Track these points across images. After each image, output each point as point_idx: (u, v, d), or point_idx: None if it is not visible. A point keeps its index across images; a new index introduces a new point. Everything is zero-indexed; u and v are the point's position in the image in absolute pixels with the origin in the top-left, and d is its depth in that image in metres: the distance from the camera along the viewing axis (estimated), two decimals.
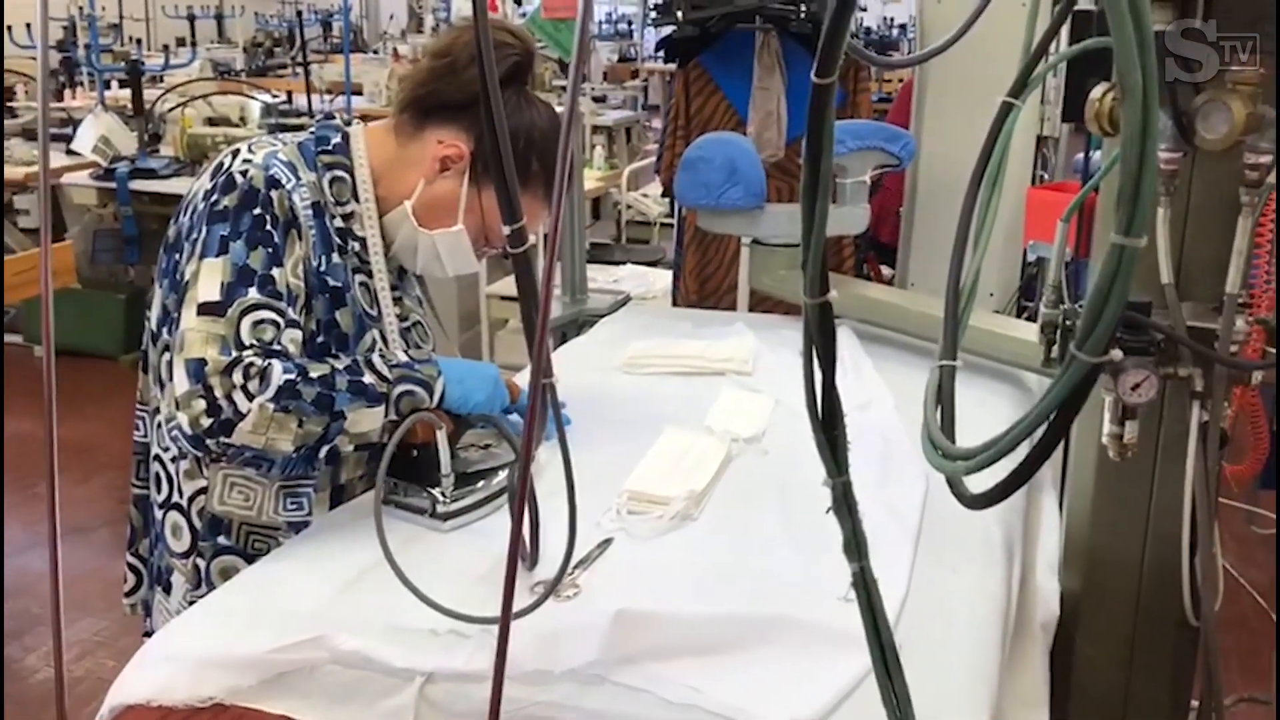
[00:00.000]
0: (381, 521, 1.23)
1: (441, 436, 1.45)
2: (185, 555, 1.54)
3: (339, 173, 1.54)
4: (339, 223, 1.53)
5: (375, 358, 1.46)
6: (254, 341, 1.37)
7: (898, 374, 2.05)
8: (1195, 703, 1.53)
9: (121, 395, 5.29)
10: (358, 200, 1.55)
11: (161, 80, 7.25)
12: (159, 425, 1.54)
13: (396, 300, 1.61)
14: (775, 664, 1.17)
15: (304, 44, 7.36)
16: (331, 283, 1.50)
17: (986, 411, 1.91)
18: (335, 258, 1.51)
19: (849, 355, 2.14)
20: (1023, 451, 0.73)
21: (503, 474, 1.53)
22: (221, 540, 1.53)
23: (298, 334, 1.45)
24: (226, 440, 1.35)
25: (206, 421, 1.34)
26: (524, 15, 4.13)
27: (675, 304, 3.40)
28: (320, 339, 1.50)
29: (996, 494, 0.76)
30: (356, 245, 1.55)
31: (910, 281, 3.23)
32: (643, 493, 1.52)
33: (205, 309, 1.38)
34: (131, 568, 1.68)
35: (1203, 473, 1.32)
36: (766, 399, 1.91)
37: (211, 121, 5.75)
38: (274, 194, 1.45)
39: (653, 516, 1.48)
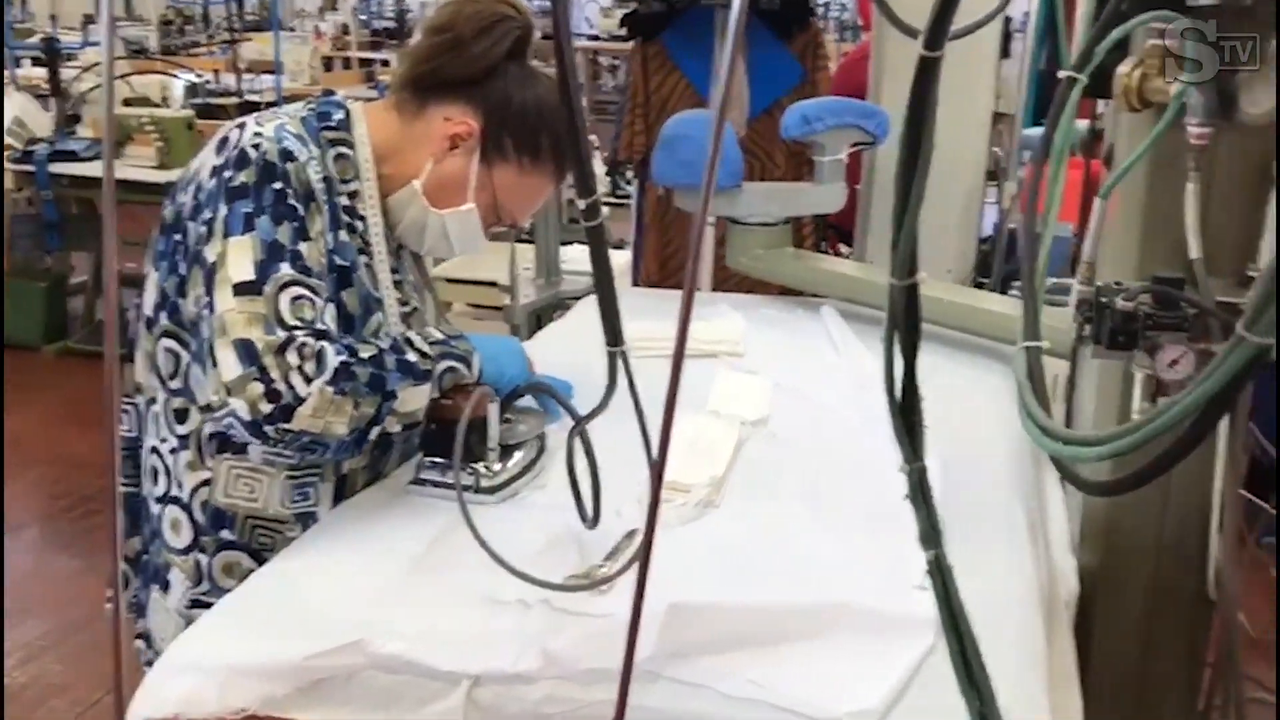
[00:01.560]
0: (464, 502, 1.23)
1: (494, 409, 1.46)
2: (186, 551, 1.47)
3: (343, 149, 1.49)
4: (345, 200, 1.48)
5: (414, 335, 1.45)
6: (296, 320, 1.33)
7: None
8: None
9: (47, 388, 5.15)
10: (359, 180, 1.50)
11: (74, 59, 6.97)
12: (155, 416, 1.47)
13: (397, 284, 1.56)
14: (834, 654, 1.15)
15: (240, 16, 7.11)
16: (339, 261, 1.45)
17: (971, 385, 1.92)
18: (343, 235, 1.46)
19: (837, 335, 2.13)
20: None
21: (530, 446, 1.54)
22: (225, 534, 1.47)
23: (333, 309, 1.41)
24: (286, 426, 1.30)
25: (267, 407, 1.29)
26: None
27: (635, 284, 3.36)
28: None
29: (1130, 482, 0.74)
30: (360, 225, 1.50)
31: (870, 259, 3.24)
32: (666, 481, 1.48)
33: (241, 289, 1.33)
34: None
35: (1232, 448, 1.32)
36: (765, 381, 1.88)
37: (129, 102, 5.54)
38: (290, 166, 1.39)
39: (676, 504, 1.45)
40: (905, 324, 0.91)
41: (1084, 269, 1.29)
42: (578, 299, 2.47)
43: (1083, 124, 2.23)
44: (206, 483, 1.46)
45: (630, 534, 1.40)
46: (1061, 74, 1.01)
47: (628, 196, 5.57)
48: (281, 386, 1.29)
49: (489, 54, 1.49)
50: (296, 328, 1.32)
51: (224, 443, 1.45)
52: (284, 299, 1.34)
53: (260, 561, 1.44)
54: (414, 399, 1.40)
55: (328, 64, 9.16)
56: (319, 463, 1.47)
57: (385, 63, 9.42)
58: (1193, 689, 1.55)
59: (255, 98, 6.32)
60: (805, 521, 1.44)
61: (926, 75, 0.79)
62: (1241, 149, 1.32)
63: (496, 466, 1.47)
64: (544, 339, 2.20)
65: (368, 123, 1.53)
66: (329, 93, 1.59)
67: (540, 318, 2.59)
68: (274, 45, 6.41)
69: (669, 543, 1.39)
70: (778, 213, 2.34)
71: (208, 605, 1.34)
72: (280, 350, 1.30)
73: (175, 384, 1.45)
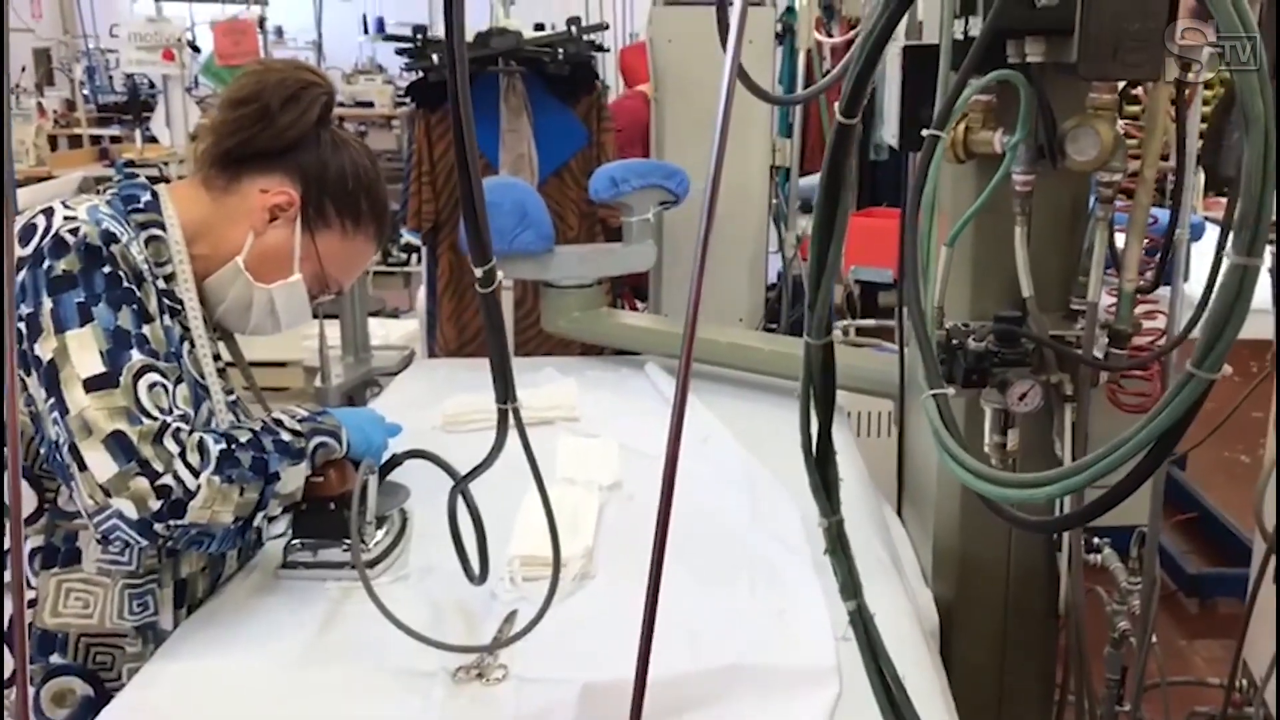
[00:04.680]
0: (366, 577, 1.27)
1: (372, 481, 1.45)
2: (8, 684, 1.32)
3: (154, 231, 1.40)
4: (161, 284, 1.39)
5: (281, 414, 1.41)
6: (157, 409, 1.25)
7: (718, 406, 2.07)
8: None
9: None
10: (174, 263, 1.42)
11: None
12: None
13: (221, 372, 1.47)
14: (749, 714, 1.15)
15: None
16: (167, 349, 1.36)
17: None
18: (167, 320, 1.37)
19: (667, 390, 2.15)
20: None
21: (394, 518, 1.54)
22: (55, 659, 1.33)
23: (186, 390, 1.33)
24: (178, 521, 1.22)
25: (156, 504, 1.21)
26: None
27: (432, 354, 3.28)
28: None
29: (1075, 519, 0.78)
30: (179, 309, 1.42)
31: (665, 312, 3.30)
32: (534, 556, 1.45)
33: (94, 383, 1.23)
34: None
35: None
36: (608, 443, 1.87)
37: None
38: (115, 248, 1.30)
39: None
40: (821, 382, 0.92)
41: (934, 313, 1.35)
42: (392, 375, 2.38)
43: None
44: (31, 603, 1.32)
45: (510, 616, 1.35)
46: (925, 132, 1.06)
47: (402, 264, 5.50)
48: (170, 480, 1.22)
49: (299, 122, 1.46)
50: (161, 415, 1.25)
51: (49, 556, 1.32)
52: (141, 387, 1.25)
53: (95, 684, 1.33)
54: (294, 479, 1.36)
55: (53, 142, 8.58)
56: (158, 568, 1.37)
57: (118, 139, 8.91)
58: (1046, 700, 1.63)
59: None
60: (683, 584, 1.43)
61: (843, 140, 0.82)
62: (1057, 193, 1.43)
63: (374, 539, 1.46)
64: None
65: (174, 203, 1.45)
66: (130, 175, 1.49)
67: (352, 398, 2.48)
68: (4, 121, 5.94)
69: (555, 619, 1.36)
70: (591, 274, 2.35)
71: None
72: (157, 439, 1.22)
73: None
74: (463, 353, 3.27)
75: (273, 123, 1.44)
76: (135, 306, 1.29)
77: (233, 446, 1.29)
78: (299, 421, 1.40)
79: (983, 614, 1.59)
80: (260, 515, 1.32)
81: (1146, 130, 1.34)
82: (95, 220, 1.31)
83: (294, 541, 1.44)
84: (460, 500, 1.30)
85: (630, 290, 3.46)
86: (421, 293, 3.58)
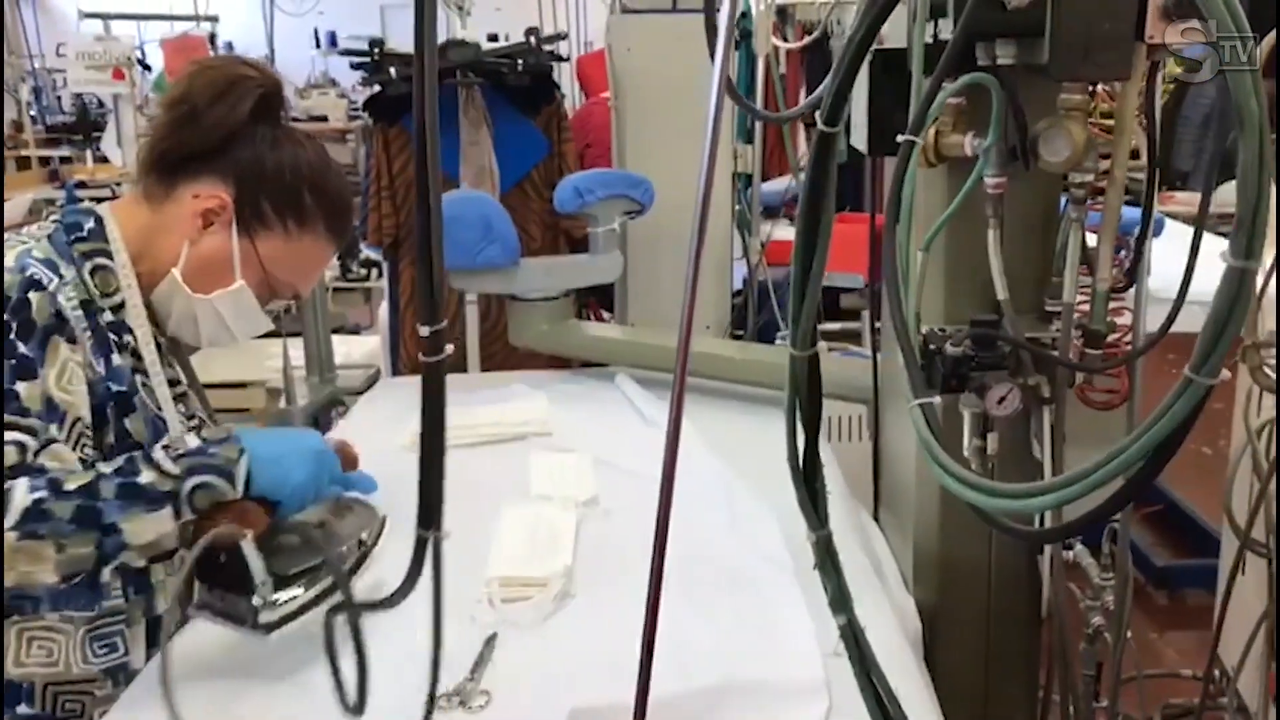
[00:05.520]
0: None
1: (247, 545, 1.17)
2: None
3: (100, 260, 1.35)
4: (109, 316, 1.34)
5: (158, 451, 1.23)
6: None
7: (691, 416, 2.05)
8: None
9: None
10: (123, 289, 1.36)
11: None
12: None
13: (180, 398, 1.43)
14: None
15: None
16: (115, 388, 1.31)
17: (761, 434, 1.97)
18: (116, 359, 1.32)
19: (640, 402, 2.13)
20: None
21: (350, 554, 1.31)
22: (23, 709, 1.28)
23: (64, 450, 1.24)
24: None
25: None
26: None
27: (396, 373, 3.24)
28: (118, 453, 1.29)
29: (1072, 529, 0.76)
30: (132, 340, 1.36)
31: (631, 322, 3.28)
32: (513, 577, 1.42)
33: None
34: None
35: (1055, 469, 1.41)
36: (583, 457, 1.85)
37: None
38: (33, 297, 1.24)
39: (533, 602, 1.38)
40: (807, 394, 0.91)
41: (913, 318, 1.34)
42: (358, 394, 2.35)
43: None
44: None
45: (490, 640, 1.33)
46: (901, 138, 1.05)
47: (362, 279, 5.44)
48: None
49: (228, 119, 1.38)
50: None
51: (11, 604, 1.27)
52: None
53: None
54: (151, 528, 1.18)
55: None
56: (124, 608, 1.33)
57: (68, 159, 8.78)
58: (1029, 703, 1.62)
59: None
60: (667, 600, 1.41)
61: (825, 149, 0.80)
62: (1028, 195, 1.43)
63: (278, 596, 1.20)
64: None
65: (118, 223, 1.39)
66: (73, 199, 1.43)
67: (317, 420, 2.43)
68: None
69: (537, 643, 1.34)
70: (558, 286, 2.33)
71: None
72: None
73: None
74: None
75: (201, 122, 1.37)
76: (17, 361, 1.21)
77: (48, 497, 1.15)
78: (178, 459, 1.22)
79: (965, 618, 1.58)
80: (109, 568, 1.16)
81: (1116, 130, 1.34)
82: (21, 266, 1.26)
83: (199, 583, 1.24)
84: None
85: (597, 301, 3.44)
86: (383, 308, 3.54)
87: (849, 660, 1.01)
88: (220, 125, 1.37)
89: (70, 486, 1.16)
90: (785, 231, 3.90)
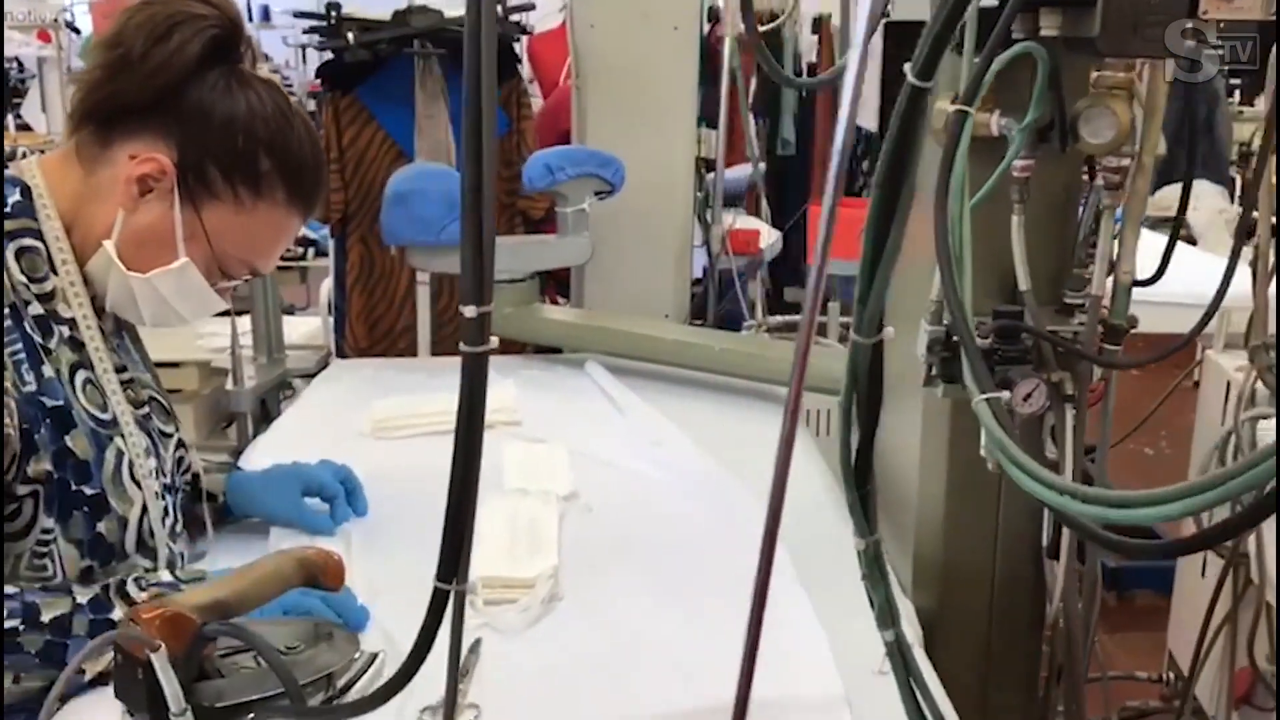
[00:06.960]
0: None
1: (160, 661, 0.85)
2: None
3: (26, 241, 1.17)
4: (36, 309, 1.17)
5: (130, 584, 1.14)
6: None
7: (664, 407, 1.96)
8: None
9: None
10: (55, 271, 1.19)
11: None
12: None
13: (126, 385, 1.27)
14: None
15: None
16: (50, 404, 1.14)
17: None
18: (46, 369, 1.15)
19: (613, 391, 2.02)
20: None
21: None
22: None
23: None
24: None
25: None
26: None
27: (342, 355, 3.10)
28: (58, 476, 1.15)
29: (1199, 542, 0.68)
30: (66, 330, 1.19)
31: (588, 307, 3.17)
32: (497, 578, 1.31)
33: None
34: None
35: (1074, 471, 1.33)
36: (556, 448, 1.74)
37: None
38: None
39: (520, 605, 1.28)
40: (868, 386, 0.81)
41: (933, 308, 1.26)
42: (309, 376, 2.21)
43: None
44: None
45: (475, 646, 1.22)
46: (951, 107, 0.96)
47: (298, 258, 5.24)
48: None
49: (168, 66, 1.18)
50: None
51: None
52: None
53: None
54: (102, 663, 1.07)
55: None
56: None
57: None
58: (1030, 713, 1.56)
59: None
60: (663, 610, 1.31)
61: (915, 108, 0.71)
62: (1050, 180, 1.35)
63: None
64: (288, 427, 1.94)
65: (47, 187, 1.20)
66: None
67: (265, 402, 2.29)
68: None
69: (525, 651, 1.23)
70: (524, 268, 2.22)
71: None
72: None
73: None
74: (373, 351, 3.10)
75: (136, 69, 1.17)
76: None
77: (21, 625, 1.06)
78: (150, 589, 1.14)
79: (966, 625, 1.51)
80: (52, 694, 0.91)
81: (1148, 112, 1.27)
82: None
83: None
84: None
85: (555, 284, 3.33)
86: (325, 287, 3.38)
87: (894, 679, 0.93)
88: (160, 72, 1.18)
89: (45, 618, 1.08)
90: (745, 221, 3.83)
